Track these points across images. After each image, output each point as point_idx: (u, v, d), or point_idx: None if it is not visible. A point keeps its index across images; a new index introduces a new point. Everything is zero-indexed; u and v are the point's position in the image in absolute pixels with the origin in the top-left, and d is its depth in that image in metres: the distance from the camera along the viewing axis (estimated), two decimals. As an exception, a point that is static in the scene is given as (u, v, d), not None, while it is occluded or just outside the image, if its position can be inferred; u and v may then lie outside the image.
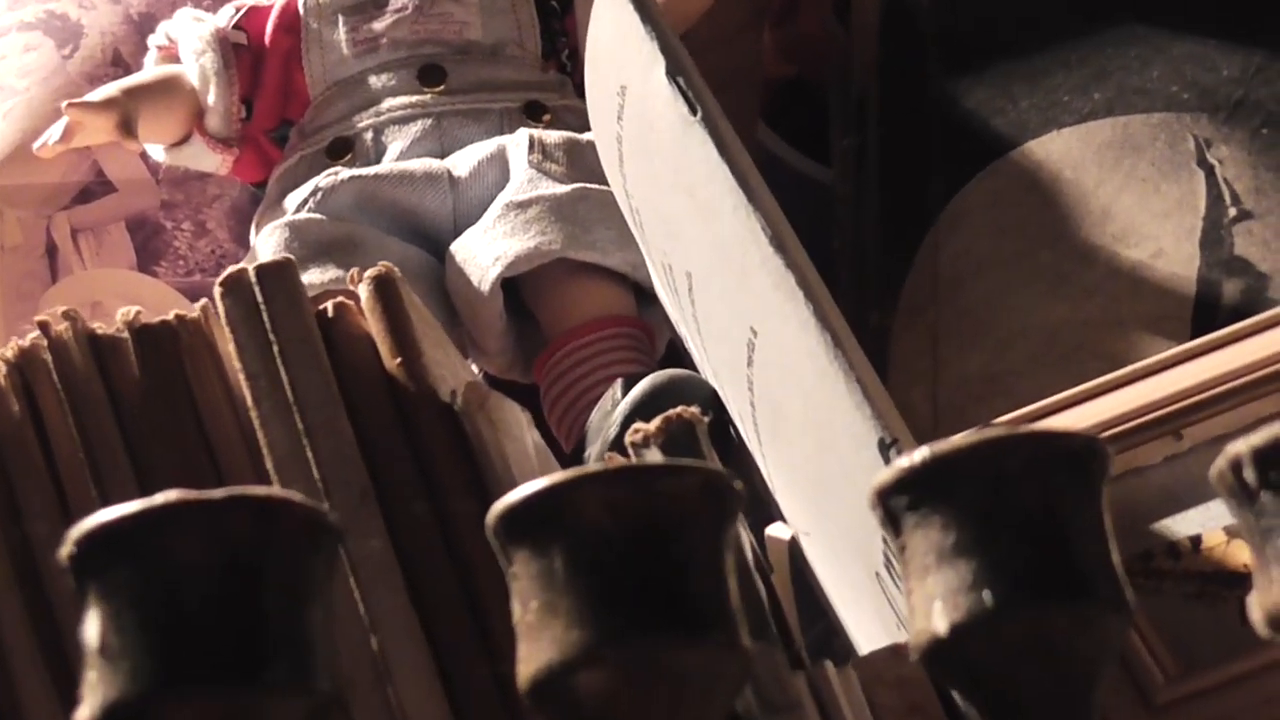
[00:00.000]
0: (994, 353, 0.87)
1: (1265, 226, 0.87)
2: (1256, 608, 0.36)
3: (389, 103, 0.94)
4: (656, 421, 0.49)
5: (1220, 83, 0.91)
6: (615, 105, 0.66)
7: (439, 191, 0.89)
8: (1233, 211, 0.88)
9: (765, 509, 0.70)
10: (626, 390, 0.78)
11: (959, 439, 0.34)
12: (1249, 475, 0.36)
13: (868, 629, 0.59)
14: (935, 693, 0.55)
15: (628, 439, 0.50)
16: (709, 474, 0.33)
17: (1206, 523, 0.75)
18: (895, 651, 0.56)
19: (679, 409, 0.49)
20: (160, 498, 0.30)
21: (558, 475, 0.32)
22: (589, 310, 0.85)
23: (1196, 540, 0.75)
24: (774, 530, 0.58)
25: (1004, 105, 0.95)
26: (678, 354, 0.88)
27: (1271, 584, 0.36)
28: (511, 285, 0.88)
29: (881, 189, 0.96)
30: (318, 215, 0.88)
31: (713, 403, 0.74)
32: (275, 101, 1.00)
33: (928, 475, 0.34)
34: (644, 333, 0.87)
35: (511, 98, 0.94)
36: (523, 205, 0.85)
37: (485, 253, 0.85)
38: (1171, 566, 0.74)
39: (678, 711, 0.31)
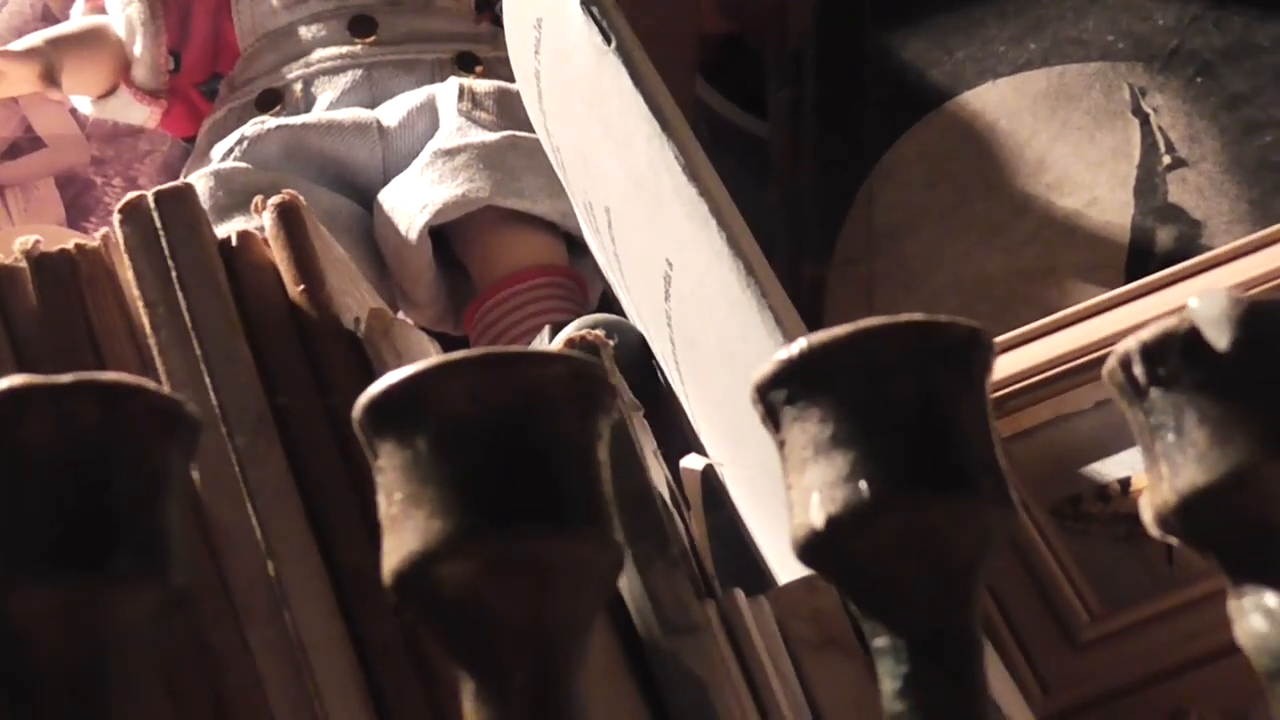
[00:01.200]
0: (928, 304, 0.86)
1: (1199, 174, 0.86)
2: (1147, 507, 0.36)
3: (319, 54, 0.93)
4: (559, 342, 0.48)
5: (1155, 31, 0.90)
6: (532, 39, 0.65)
7: (368, 141, 0.88)
8: (1167, 159, 0.87)
9: (692, 451, 0.69)
10: (554, 338, 0.77)
11: (837, 329, 0.33)
12: (1138, 372, 0.36)
13: (786, 561, 0.59)
14: (850, 625, 0.55)
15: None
16: (577, 362, 0.32)
17: (1135, 465, 0.74)
18: (810, 584, 0.55)
19: (583, 330, 0.48)
20: (5, 382, 0.29)
21: (421, 363, 0.31)
22: (518, 259, 0.84)
23: (1125, 483, 0.74)
24: (687, 461, 0.57)
25: (940, 57, 0.94)
26: (612, 305, 0.88)
27: (1160, 482, 0.35)
28: (443, 236, 0.87)
29: (817, 142, 0.95)
30: (243, 164, 0.87)
31: (640, 348, 0.73)
32: (204, 54, 0.98)
33: (805, 367, 0.33)
34: (574, 281, 0.86)
35: (443, 49, 0.93)
36: (450, 153, 0.84)
37: (412, 201, 0.84)
38: (1100, 509, 0.74)
39: (541, 603, 0.31)
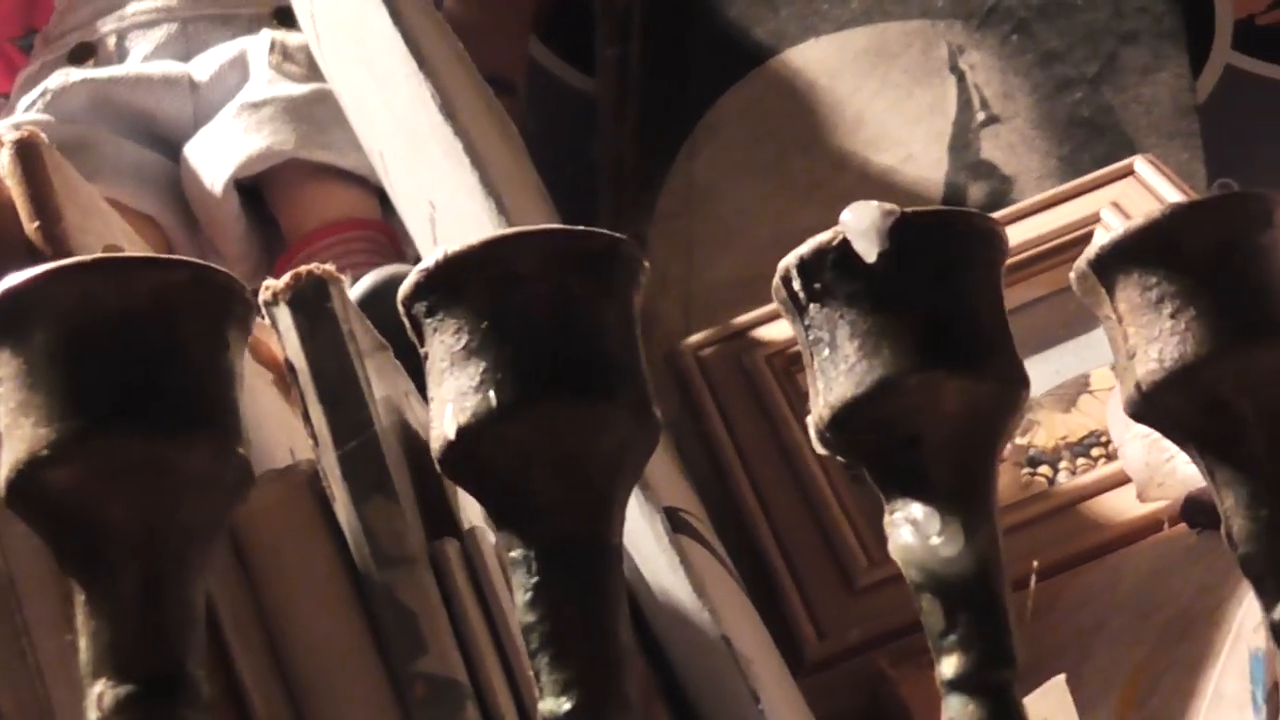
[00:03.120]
0: (746, 259, 0.86)
1: (1011, 130, 0.87)
2: (810, 423, 0.36)
3: (134, 7, 0.91)
4: (285, 278, 0.47)
5: (974, -11, 0.91)
6: (306, -20, 0.64)
7: (178, 95, 0.87)
8: (981, 116, 0.88)
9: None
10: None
11: (472, 240, 0.33)
12: (797, 286, 0.35)
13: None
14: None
15: (261, 298, 0.48)
16: (201, 270, 0.31)
17: (933, 416, 0.75)
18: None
19: (312, 265, 0.48)
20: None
21: (37, 268, 0.30)
22: (327, 213, 0.83)
23: (921, 434, 0.75)
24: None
25: (765, 14, 0.94)
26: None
27: (817, 397, 0.35)
28: (256, 190, 0.86)
29: (642, 99, 0.95)
30: (45, 116, 0.85)
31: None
32: (17, 7, 0.97)
33: (442, 278, 0.33)
34: (385, 235, 0.85)
35: (261, 3, 0.92)
36: (256, 105, 0.83)
37: (217, 153, 0.83)
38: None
39: (150, 509, 0.30)
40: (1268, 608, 0.36)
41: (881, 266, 0.34)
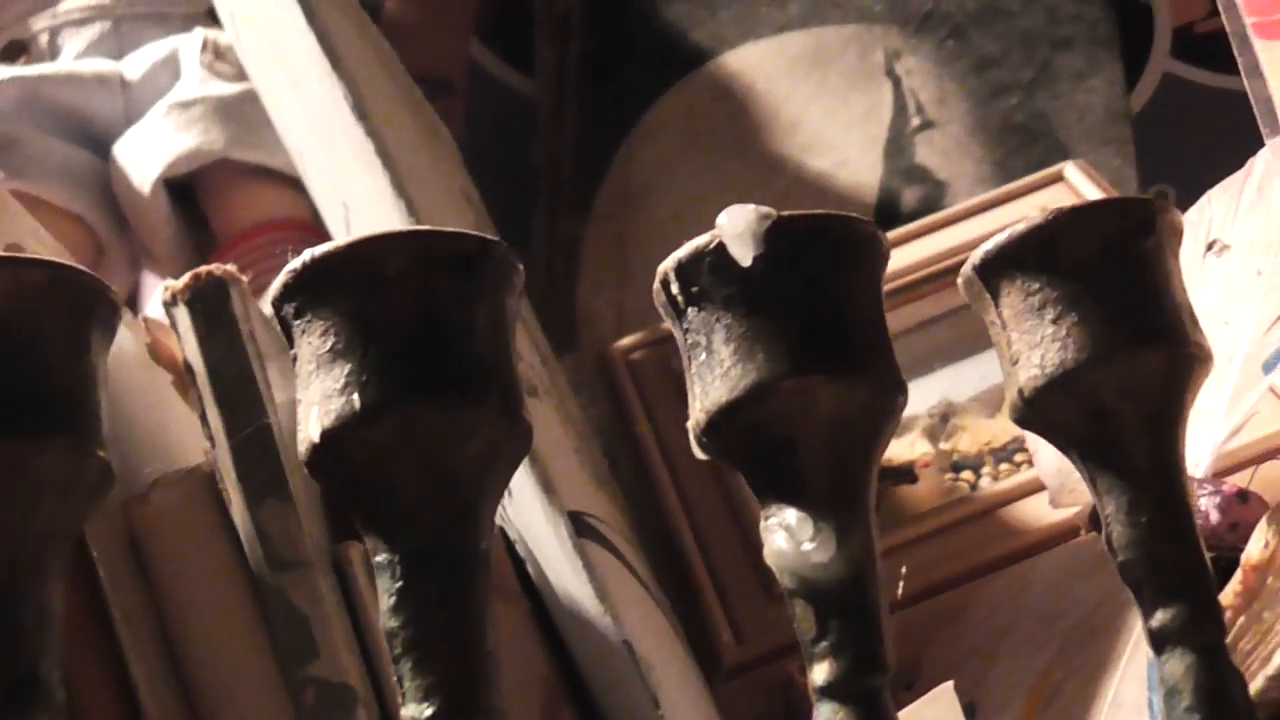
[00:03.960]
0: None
1: (945, 136, 0.87)
2: (689, 428, 0.35)
3: (66, 5, 0.91)
4: (185, 279, 0.47)
5: (911, -6, 0.91)
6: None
7: (109, 94, 0.86)
8: (916, 121, 0.88)
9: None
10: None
11: (340, 241, 0.32)
12: (675, 290, 0.35)
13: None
14: (514, 571, 0.54)
15: (161, 298, 0.48)
16: (60, 270, 0.31)
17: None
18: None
19: (213, 266, 0.47)
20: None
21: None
22: (257, 213, 0.83)
23: (848, 438, 0.75)
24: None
25: (703, 17, 0.94)
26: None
27: (694, 401, 0.35)
28: (188, 190, 0.85)
29: (581, 100, 0.95)
30: (-27, 114, 0.85)
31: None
32: (-51, 4, 0.96)
33: (309, 280, 0.32)
34: (316, 236, 0.84)
35: (195, 2, 0.91)
36: (186, 105, 0.83)
37: (146, 153, 0.82)
38: (823, 464, 0.74)
39: (12, 513, 0.30)
40: (1146, 615, 0.36)
41: (757, 270, 0.34)
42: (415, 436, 0.31)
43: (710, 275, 0.34)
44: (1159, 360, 0.36)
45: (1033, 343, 0.36)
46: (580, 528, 0.50)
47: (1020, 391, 0.37)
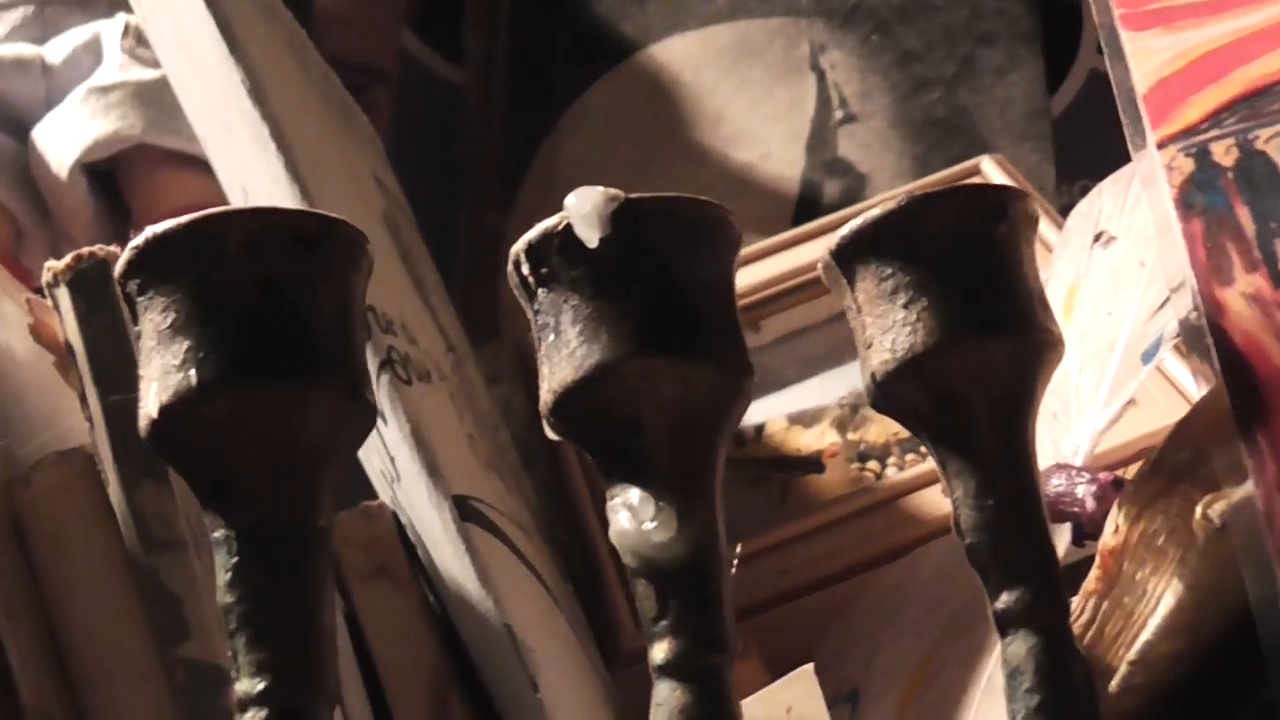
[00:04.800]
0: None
1: (868, 129, 0.87)
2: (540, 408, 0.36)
3: (-10, -10, 0.91)
4: (66, 259, 0.47)
5: (838, -12, 0.91)
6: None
7: (29, 78, 0.86)
8: (839, 114, 0.88)
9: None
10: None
11: (181, 218, 0.33)
12: (526, 272, 0.36)
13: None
14: (404, 553, 0.54)
15: (43, 279, 0.48)
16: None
17: (773, 411, 0.75)
18: (366, 513, 0.55)
19: (96, 246, 0.47)
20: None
21: None
22: (176, 199, 0.82)
23: (760, 428, 0.75)
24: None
25: (632, 9, 0.94)
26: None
27: (543, 383, 0.35)
28: (110, 175, 0.85)
29: (508, 92, 0.95)
30: (-107, 100, 0.84)
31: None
32: None
33: (152, 256, 0.32)
34: (235, 224, 0.84)
35: (121, -14, 0.91)
36: (105, 90, 0.82)
37: (64, 138, 0.82)
38: (735, 453, 0.75)
39: None
40: (991, 598, 0.36)
41: (604, 252, 0.34)
42: (252, 414, 0.31)
43: (559, 256, 0.34)
44: (1007, 346, 0.36)
45: (885, 327, 0.36)
46: (465, 512, 0.50)
47: (873, 376, 0.37)
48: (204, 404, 0.31)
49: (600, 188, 0.35)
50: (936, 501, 0.63)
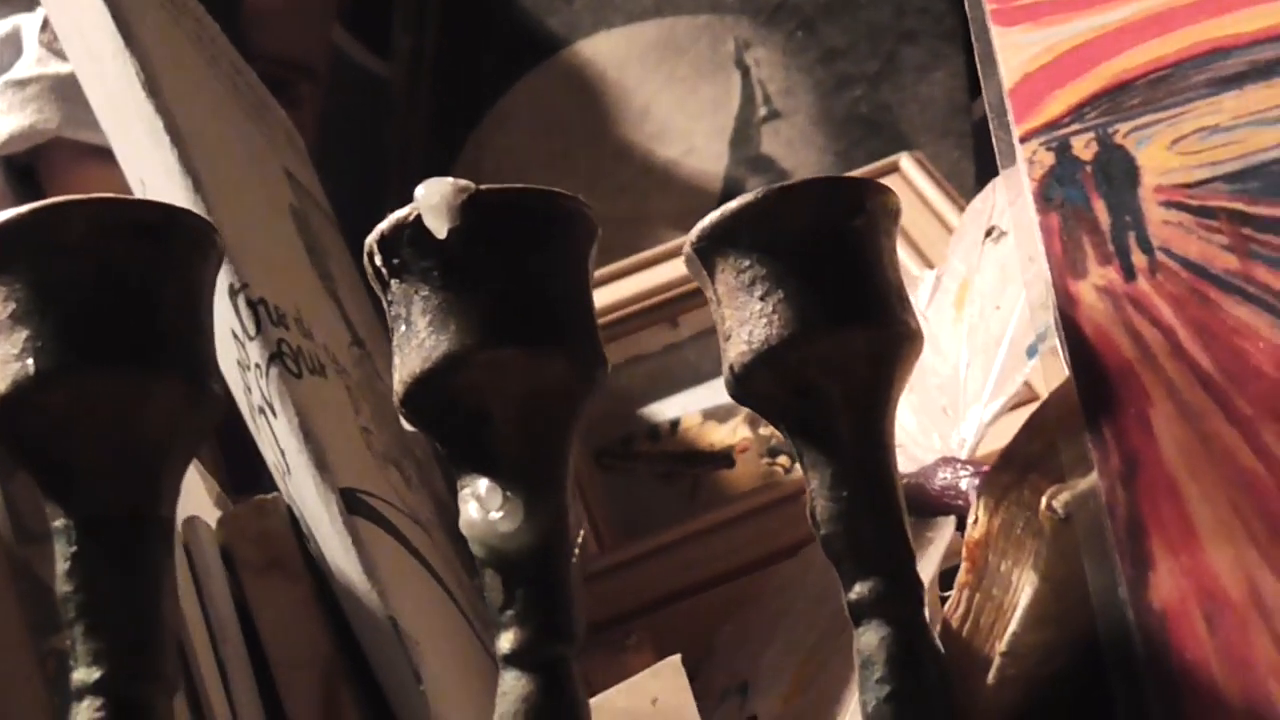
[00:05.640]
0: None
1: (791, 126, 0.88)
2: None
3: (-88, -18, 0.90)
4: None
5: (763, -15, 0.91)
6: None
7: (-51, 72, 0.85)
8: (763, 111, 0.88)
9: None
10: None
11: (23, 207, 0.32)
12: (379, 263, 0.35)
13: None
14: (298, 547, 0.54)
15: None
16: None
17: (689, 406, 0.76)
18: (259, 506, 0.54)
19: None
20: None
21: None
22: (92, 192, 0.82)
23: (675, 423, 0.75)
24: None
25: (558, 5, 0.94)
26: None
27: (394, 373, 0.35)
28: (31, 170, 0.85)
29: (435, 87, 0.95)
30: None
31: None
32: None
33: (-5, 245, 0.32)
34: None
35: (43, -19, 0.90)
36: (22, 83, 0.82)
37: (-21, 131, 0.82)
38: (649, 448, 0.75)
39: None
40: (845, 588, 0.36)
41: (453, 243, 0.34)
42: (90, 403, 0.31)
43: (409, 248, 0.34)
44: (863, 338, 0.36)
45: (742, 319, 0.37)
46: (353, 505, 0.50)
47: (731, 368, 0.37)
48: (41, 393, 0.31)
49: (450, 179, 0.35)
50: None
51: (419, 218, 0.34)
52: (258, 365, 0.52)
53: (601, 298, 0.78)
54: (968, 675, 0.43)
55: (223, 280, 0.52)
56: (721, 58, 0.90)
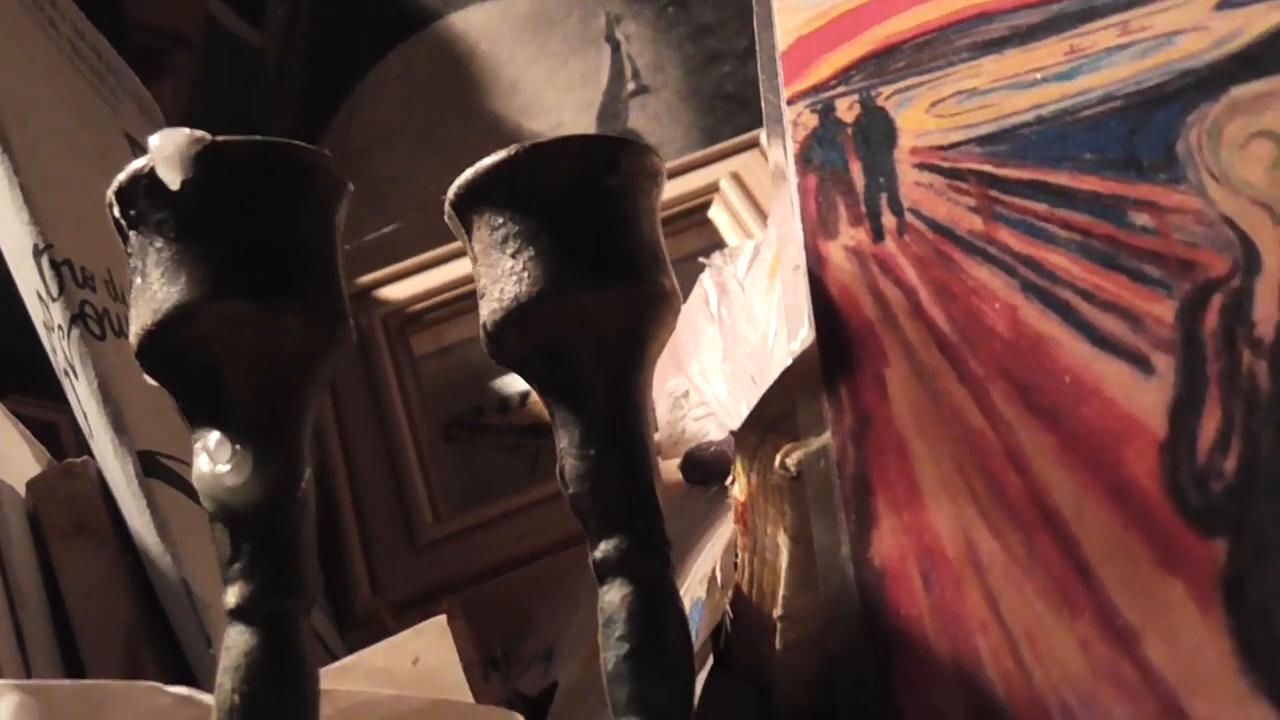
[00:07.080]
0: (391, 220, 0.86)
1: (659, 101, 0.88)
2: (137, 352, 0.35)
3: None
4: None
5: (635, -40, 0.91)
6: None
7: None
8: (631, 86, 0.88)
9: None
10: None
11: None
12: (118, 214, 0.35)
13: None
14: (105, 512, 0.54)
15: None
16: None
17: (540, 379, 0.75)
18: (67, 470, 0.54)
19: None
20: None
21: None
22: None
23: (525, 395, 0.75)
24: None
25: (434, -23, 0.94)
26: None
27: (131, 325, 0.35)
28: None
29: (307, 57, 0.94)
30: None
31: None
32: None
33: None
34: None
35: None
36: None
37: None
38: (498, 420, 0.75)
39: None
40: (591, 547, 0.36)
41: (186, 194, 0.34)
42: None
43: (145, 199, 0.34)
44: (614, 297, 0.36)
45: (495, 277, 0.36)
46: (150, 467, 0.49)
47: (484, 326, 0.37)
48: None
49: (185, 129, 0.34)
50: (672, 471, 0.63)
51: (154, 169, 0.34)
52: (60, 327, 0.51)
53: (457, 270, 0.78)
54: (759, 640, 0.43)
55: (27, 241, 0.52)
56: (593, 32, 0.90)
